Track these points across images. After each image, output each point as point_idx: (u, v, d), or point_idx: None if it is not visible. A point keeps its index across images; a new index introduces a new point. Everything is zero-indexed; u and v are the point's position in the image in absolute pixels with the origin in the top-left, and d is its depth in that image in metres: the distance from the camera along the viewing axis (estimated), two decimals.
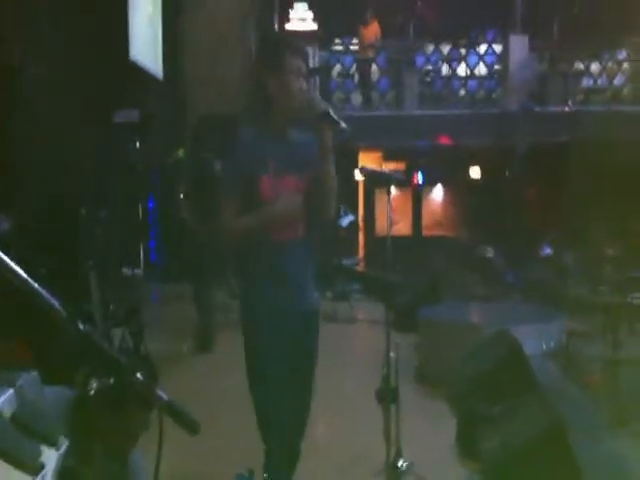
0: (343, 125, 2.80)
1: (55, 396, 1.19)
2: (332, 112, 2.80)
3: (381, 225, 14.00)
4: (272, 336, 2.81)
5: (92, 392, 1.15)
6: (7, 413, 1.12)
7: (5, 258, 1.18)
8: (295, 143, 2.91)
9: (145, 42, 9.66)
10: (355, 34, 13.55)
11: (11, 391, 1.22)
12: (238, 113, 11.61)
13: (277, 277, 2.87)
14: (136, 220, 8.87)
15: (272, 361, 2.80)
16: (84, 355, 1.21)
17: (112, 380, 1.18)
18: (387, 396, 3.39)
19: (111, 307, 6.16)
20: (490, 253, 11.18)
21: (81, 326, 1.18)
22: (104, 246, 6.53)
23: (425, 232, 15.50)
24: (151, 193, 10.86)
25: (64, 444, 1.13)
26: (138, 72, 9.38)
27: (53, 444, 1.10)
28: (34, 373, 1.30)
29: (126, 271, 6.98)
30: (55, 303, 1.21)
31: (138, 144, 10.92)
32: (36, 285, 1.20)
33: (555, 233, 12.20)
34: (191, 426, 1.28)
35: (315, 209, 2.92)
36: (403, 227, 15.05)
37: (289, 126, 2.92)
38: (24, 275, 1.20)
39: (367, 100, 13.15)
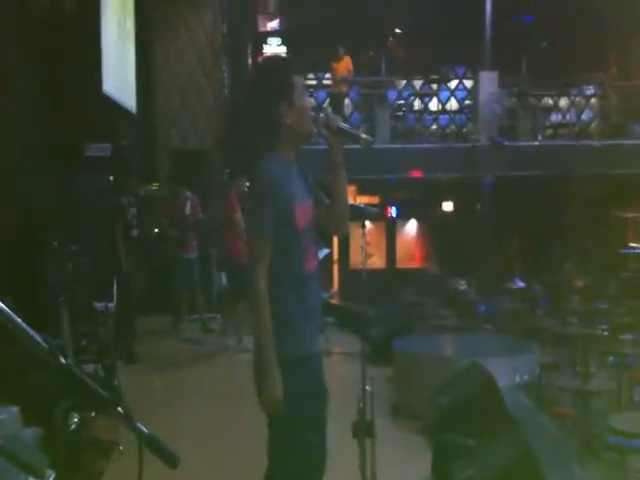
0: (364, 135, 2.78)
1: (34, 434, 1.20)
2: (347, 126, 2.79)
3: (355, 258, 14.06)
4: (313, 383, 2.75)
5: (73, 427, 1.16)
6: None
7: None
8: (299, 166, 2.84)
9: (118, 75, 9.68)
10: (328, 69, 13.72)
11: None
12: (210, 147, 11.67)
13: (311, 314, 2.78)
14: (109, 254, 8.83)
15: (315, 407, 2.75)
16: (64, 389, 1.21)
17: (93, 414, 1.19)
18: (363, 430, 3.39)
19: (83, 342, 6.10)
20: (462, 285, 11.28)
21: (62, 360, 1.19)
22: (75, 280, 6.48)
23: (399, 265, 15.59)
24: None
25: (51, 476, 1.13)
26: (111, 106, 9.39)
27: (40, 476, 1.11)
28: (14, 409, 1.30)
29: (98, 305, 6.92)
30: (36, 336, 1.21)
31: (110, 177, 10.90)
32: (17, 318, 1.20)
33: (525, 265, 12.35)
34: (171, 460, 1.29)
35: (331, 226, 2.92)
36: (377, 260, 15.14)
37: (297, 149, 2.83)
38: (4, 307, 1.21)
39: None
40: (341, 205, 2.87)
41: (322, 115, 2.79)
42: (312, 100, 13.16)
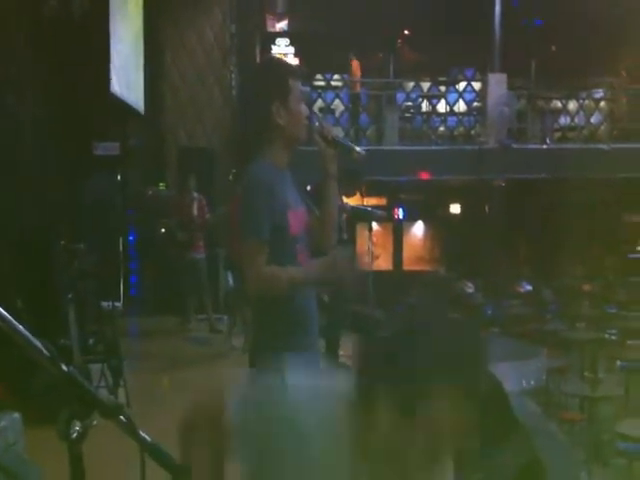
0: (358, 149, 2.76)
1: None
2: (342, 138, 2.78)
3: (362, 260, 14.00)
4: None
5: (75, 435, 1.14)
6: None
7: None
8: (293, 173, 2.81)
9: (126, 75, 9.69)
10: (336, 70, 13.70)
11: None
12: (218, 147, 11.67)
13: (307, 319, 2.74)
14: (116, 253, 8.84)
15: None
16: (66, 397, 1.19)
17: (95, 422, 1.17)
18: None
19: (90, 341, 6.09)
20: (470, 288, 11.22)
21: (65, 367, 1.17)
22: (82, 279, 6.48)
23: (406, 267, 15.54)
24: (131, 226, 10.84)
25: None
26: (119, 105, 9.41)
27: None
28: (16, 415, 1.29)
29: (105, 305, 6.91)
30: (38, 344, 1.19)
31: (119, 177, 10.92)
32: (19, 325, 1.18)
33: (534, 269, 12.30)
34: (176, 469, 1.27)
35: (319, 238, 2.87)
36: (384, 262, 15.08)
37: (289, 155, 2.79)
38: (6, 314, 1.19)
39: (356, 134, 13.23)
40: (328, 218, 2.85)
41: (317, 123, 2.79)
42: (320, 100, 13.17)
